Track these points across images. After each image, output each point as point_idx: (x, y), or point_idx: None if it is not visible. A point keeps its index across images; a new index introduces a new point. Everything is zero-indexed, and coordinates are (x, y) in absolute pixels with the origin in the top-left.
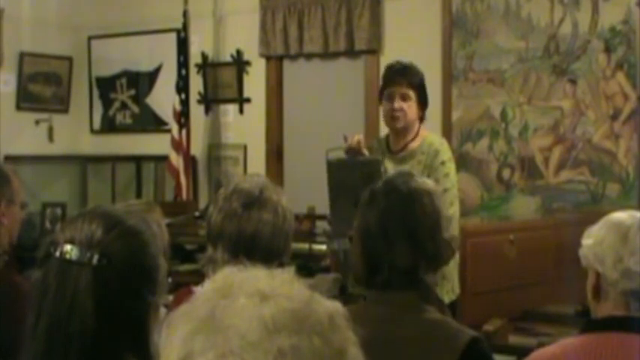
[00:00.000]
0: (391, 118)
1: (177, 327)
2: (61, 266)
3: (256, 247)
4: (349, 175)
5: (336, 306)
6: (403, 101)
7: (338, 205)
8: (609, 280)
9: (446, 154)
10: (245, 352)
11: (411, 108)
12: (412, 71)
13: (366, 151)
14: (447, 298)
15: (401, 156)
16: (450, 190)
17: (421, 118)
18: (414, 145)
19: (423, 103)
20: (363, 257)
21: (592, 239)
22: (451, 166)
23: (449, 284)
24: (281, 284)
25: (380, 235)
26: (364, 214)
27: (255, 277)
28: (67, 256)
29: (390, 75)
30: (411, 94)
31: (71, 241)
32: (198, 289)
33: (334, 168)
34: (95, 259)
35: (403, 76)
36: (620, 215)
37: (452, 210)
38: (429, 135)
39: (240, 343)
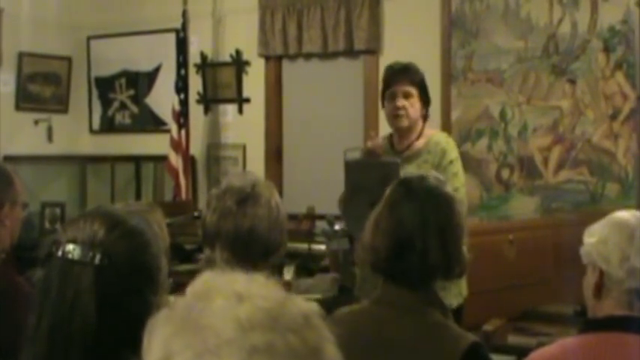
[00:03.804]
0: (394, 117)
1: (158, 330)
2: (64, 266)
3: (254, 242)
4: (367, 176)
5: (311, 306)
6: (405, 99)
7: (353, 205)
8: (614, 279)
9: (453, 152)
10: (220, 350)
11: (413, 106)
12: (413, 70)
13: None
14: (455, 302)
15: (406, 155)
16: (460, 190)
17: (424, 117)
18: (419, 144)
19: (425, 101)
20: (391, 241)
21: (595, 237)
22: (459, 165)
23: (456, 288)
24: (257, 286)
25: (417, 225)
26: (398, 203)
27: (233, 280)
28: (70, 256)
29: (390, 75)
30: (414, 91)
31: (73, 241)
32: None
33: (352, 168)
34: (97, 258)
35: (405, 74)
36: (624, 215)
37: (463, 209)
38: (435, 133)
39: (216, 342)
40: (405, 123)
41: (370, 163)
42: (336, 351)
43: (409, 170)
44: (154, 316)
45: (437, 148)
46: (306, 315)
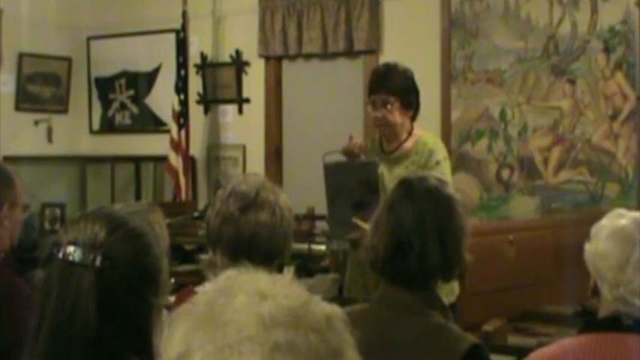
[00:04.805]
0: (376, 126)
1: (178, 324)
2: (64, 268)
3: (255, 249)
4: (347, 178)
5: (334, 309)
6: (384, 107)
7: (336, 208)
8: (603, 297)
9: (440, 153)
10: (241, 346)
11: (392, 113)
12: (392, 76)
13: (362, 156)
14: (446, 300)
15: (394, 156)
16: None
17: (413, 117)
18: (407, 145)
19: (406, 104)
20: (389, 242)
21: (595, 246)
22: (446, 166)
23: (446, 287)
24: (281, 285)
25: (415, 226)
26: (397, 204)
27: (256, 278)
28: (70, 258)
29: (370, 82)
30: (392, 99)
31: (74, 243)
32: (199, 289)
33: (331, 171)
34: (98, 260)
35: (381, 84)
36: (630, 226)
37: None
38: (424, 134)
39: (238, 338)
40: (384, 132)
41: (348, 165)
42: (357, 355)
43: (397, 172)
44: (155, 317)
45: (424, 149)
46: (328, 316)
